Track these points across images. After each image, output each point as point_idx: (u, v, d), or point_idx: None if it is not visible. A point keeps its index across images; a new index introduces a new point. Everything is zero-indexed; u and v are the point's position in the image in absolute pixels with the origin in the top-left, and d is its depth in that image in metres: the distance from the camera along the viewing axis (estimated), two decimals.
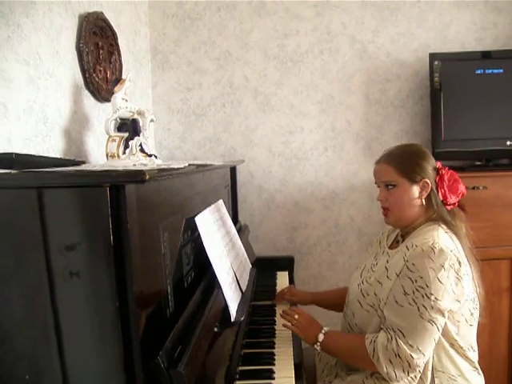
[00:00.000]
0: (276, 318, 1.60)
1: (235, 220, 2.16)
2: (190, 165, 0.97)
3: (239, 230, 2.03)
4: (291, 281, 2.03)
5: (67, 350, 0.76)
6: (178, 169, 0.81)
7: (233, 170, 2.15)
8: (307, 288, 2.37)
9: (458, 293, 1.19)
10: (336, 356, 1.38)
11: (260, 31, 2.33)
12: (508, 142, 2.23)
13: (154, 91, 2.36)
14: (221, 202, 1.68)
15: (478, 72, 2.22)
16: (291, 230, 2.40)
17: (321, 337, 1.32)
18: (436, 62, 2.21)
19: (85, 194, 0.70)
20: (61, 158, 1.08)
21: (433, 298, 1.16)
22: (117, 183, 0.67)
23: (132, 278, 0.74)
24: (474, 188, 2.07)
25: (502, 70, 2.21)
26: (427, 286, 1.16)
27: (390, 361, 1.17)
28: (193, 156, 2.36)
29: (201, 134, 2.36)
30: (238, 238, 1.72)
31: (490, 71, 2.22)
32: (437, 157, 2.20)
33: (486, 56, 2.25)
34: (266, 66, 2.34)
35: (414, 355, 1.16)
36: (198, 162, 1.17)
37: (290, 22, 2.32)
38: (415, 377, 1.21)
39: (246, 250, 1.85)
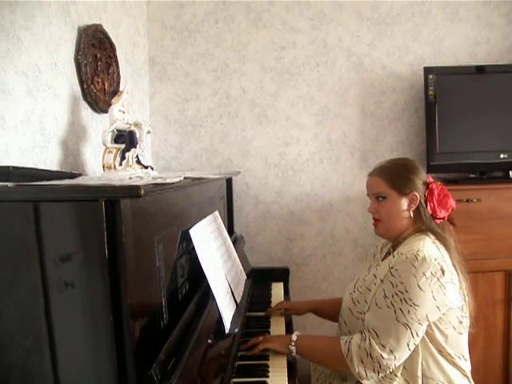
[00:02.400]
0: (270, 330, 1.61)
1: (231, 231, 2.17)
2: (185, 178, 0.98)
3: (234, 241, 2.04)
4: (286, 292, 2.04)
5: (61, 361, 0.76)
6: (174, 183, 0.82)
7: (229, 181, 2.16)
8: (302, 299, 2.37)
9: (439, 300, 1.21)
10: (310, 357, 1.40)
11: (257, 43, 2.35)
12: (501, 155, 2.26)
13: (152, 102, 2.37)
14: (216, 213, 1.69)
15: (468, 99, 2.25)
16: (287, 241, 2.41)
17: (294, 337, 1.36)
18: (431, 76, 2.24)
19: (81, 208, 0.70)
20: (57, 171, 1.09)
21: (410, 303, 1.18)
22: (112, 198, 0.68)
23: (126, 291, 0.74)
24: (467, 201, 2.09)
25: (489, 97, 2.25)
26: (406, 292, 1.19)
27: (362, 360, 1.21)
28: (189, 167, 2.38)
29: (197, 145, 2.38)
30: (234, 249, 1.73)
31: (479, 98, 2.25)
32: (431, 169, 2.25)
33: (479, 71, 2.28)
34: (262, 78, 2.36)
35: (384, 355, 1.18)
36: (194, 175, 1.18)
37: (287, 34, 2.35)
38: (385, 377, 1.24)
39: (241, 260, 1.85)
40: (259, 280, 2.11)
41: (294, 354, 1.36)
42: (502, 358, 2.14)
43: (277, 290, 2.03)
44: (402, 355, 1.20)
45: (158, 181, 0.84)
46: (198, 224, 1.29)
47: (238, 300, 1.49)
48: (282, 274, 2.17)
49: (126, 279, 0.74)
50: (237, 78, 2.36)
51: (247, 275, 1.97)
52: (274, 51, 2.36)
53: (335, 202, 2.40)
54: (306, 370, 1.59)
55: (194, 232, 1.24)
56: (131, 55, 2.14)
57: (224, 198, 2.06)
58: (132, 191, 0.66)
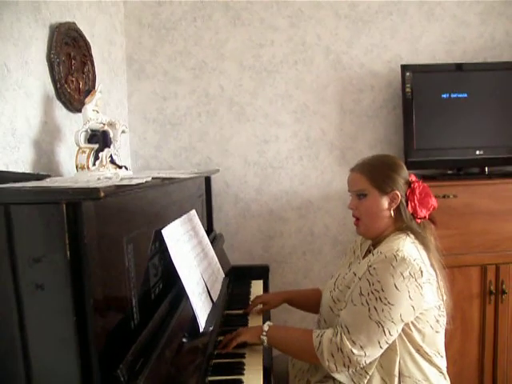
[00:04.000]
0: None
1: (210, 229, 2.16)
2: (153, 178, 0.97)
3: (213, 240, 2.04)
4: (266, 289, 2.04)
5: (27, 363, 0.76)
6: (138, 184, 0.82)
7: (207, 179, 2.15)
8: None
9: (415, 300, 1.21)
10: (282, 348, 1.40)
11: (235, 41, 2.35)
12: (477, 152, 2.29)
13: (130, 101, 2.36)
14: (193, 212, 1.69)
15: (444, 96, 2.29)
16: (267, 239, 2.42)
17: (266, 327, 1.37)
18: (408, 73, 2.26)
19: (42, 211, 0.70)
20: (24, 173, 1.08)
21: (385, 301, 1.19)
22: (72, 200, 0.67)
23: (90, 291, 0.74)
24: (444, 196, 2.12)
25: (465, 95, 2.28)
26: (382, 291, 1.20)
27: (332, 355, 1.22)
28: (168, 165, 2.37)
29: (176, 144, 2.37)
30: (211, 248, 1.73)
31: (455, 95, 2.28)
32: (409, 166, 2.25)
33: (456, 68, 2.31)
34: (241, 76, 2.36)
35: (354, 351, 1.20)
36: (166, 175, 1.18)
37: (265, 32, 2.36)
38: (356, 372, 1.25)
39: (220, 259, 1.85)
40: (239, 278, 2.12)
41: (265, 344, 1.37)
42: (478, 350, 2.18)
43: (256, 288, 2.04)
44: (373, 353, 1.21)
45: (125, 182, 0.84)
46: (170, 224, 1.29)
47: (215, 298, 1.49)
48: (261, 272, 2.18)
49: (90, 280, 0.74)
50: (215, 76, 2.35)
51: (227, 273, 1.97)
52: (252, 49, 2.36)
53: (314, 199, 2.42)
54: (284, 367, 1.60)
55: (167, 232, 1.24)
56: (108, 53, 2.12)
57: (202, 197, 2.06)
58: (91, 194, 0.66)
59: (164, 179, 1.04)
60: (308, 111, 2.39)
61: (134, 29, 2.33)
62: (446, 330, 1.36)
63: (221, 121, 2.37)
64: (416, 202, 1.36)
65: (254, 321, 1.66)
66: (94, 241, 0.76)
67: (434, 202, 1.39)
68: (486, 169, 2.33)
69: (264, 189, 2.40)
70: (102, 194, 0.65)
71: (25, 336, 0.75)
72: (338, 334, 1.23)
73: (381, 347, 1.21)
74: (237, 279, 2.11)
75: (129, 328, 0.96)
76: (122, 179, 0.98)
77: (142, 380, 0.81)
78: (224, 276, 1.76)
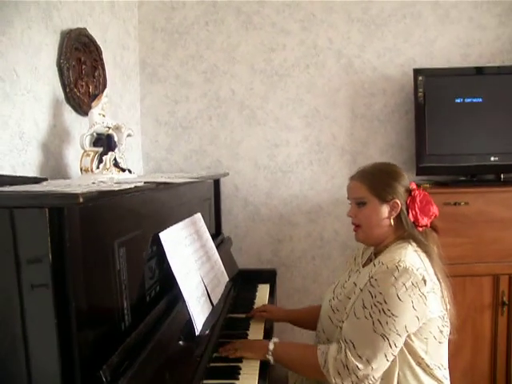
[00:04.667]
0: (249, 332, 1.61)
1: (218, 232, 2.18)
2: (146, 183, 0.99)
3: (221, 243, 2.06)
4: (272, 294, 2.04)
5: (10, 363, 0.78)
6: (122, 190, 0.83)
7: (216, 182, 2.17)
8: (291, 301, 2.39)
9: (419, 310, 1.19)
10: (287, 366, 1.39)
11: (247, 45, 2.36)
12: (492, 158, 2.24)
13: (143, 104, 2.40)
14: (198, 215, 1.70)
15: (458, 101, 2.24)
16: (276, 243, 2.42)
17: (271, 345, 1.34)
18: (420, 78, 2.23)
19: (25, 215, 0.72)
20: (21, 176, 1.11)
21: (389, 313, 1.17)
22: (51, 206, 0.69)
23: (73, 295, 0.76)
24: (455, 204, 2.08)
25: (480, 99, 2.23)
26: (385, 302, 1.17)
27: (339, 372, 1.19)
28: (179, 168, 2.40)
29: (187, 147, 2.40)
30: (216, 252, 1.74)
31: (470, 100, 2.24)
32: (421, 171, 2.24)
33: (470, 72, 2.27)
34: (252, 80, 2.37)
35: (360, 366, 1.17)
36: (163, 179, 1.20)
37: (277, 36, 2.36)
38: None
39: (227, 262, 1.87)
40: (246, 282, 2.13)
41: (271, 363, 1.36)
42: (489, 362, 2.12)
43: (262, 292, 2.04)
44: (380, 366, 1.19)
45: (114, 187, 0.85)
46: (170, 228, 1.31)
47: (215, 302, 1.50)
48: (269, 276, 2.18)
49: (74, 283, 0.76)
50: (226, 80, 2.37)
51: (234, 277, 1.99)
52: (263, 53, 2.36)
53: (324, 204, 2.40)
54: (283, 372, 1.59)
55: (165, 236, 1.25)
56: (120, 58, 2.16)
57: (210, 200, 2.07)
58: (70, 199, 0.68)
59: (159, 184, 1.05)
60: (319, 115, 2.38)
61: (147, 33, 2.37)
62: (455, 341, 1.33)
63: (231, 124, 2.38)
64: (417, 210, 1.34)
65: (255, 325, 1.66)
66: (78, 245, 0.78)
67: (435, 209, 1.37)
68: (502, 175, 2.27)
69: (274, 193, 2.40)
70: (81, 200, 0.67)
71: (6, 337, 0.77)
72: (343, 350, 1.20)
73: (387, 360, 1.19)
74: (244, 283, 2.11)
75: (119, 330, 0.98)
76: (116, 183, 1.00)
77: (124, 382, 0.82)
78: (228, 280, 1.77)
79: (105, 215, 0.92)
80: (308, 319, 1.64)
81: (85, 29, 1.71)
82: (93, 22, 1.84)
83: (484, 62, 2.36)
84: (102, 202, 0.89)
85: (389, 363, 1.20)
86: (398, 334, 1.18)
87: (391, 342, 1.17)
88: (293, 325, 1.72)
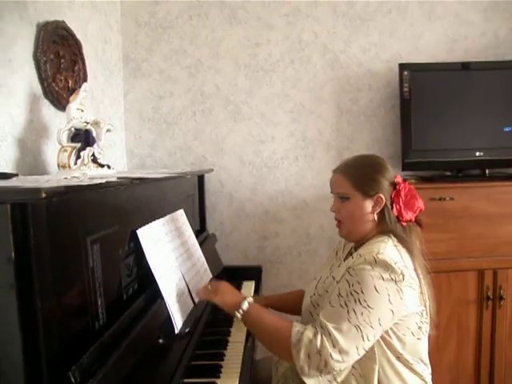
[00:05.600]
0: (231, 329, 1.60)
1: (202, 229, 2.16)
2: (119, 178, 0.96)
3: (205, 239, 2.03)
4: (257, 291, 2.02)
5: None
6: (91, 185, 0.81)
7: (200, 178, 2.15)
8: None
9: (394, 304, 1.17)
10: (255, 332, 1.34)
11: (231, 40, 2.33)
12: (477, 153, 2.24)
13: (126, 99, 2.36)
14: (180, 212, 1.68)
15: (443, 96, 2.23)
16: (262, 239, 2.40)
17: (245, 305, 1.28)
18: (405, 73, 2.22)
19: None
20: None
21: (365, 304, 1.15)
22: (13, 201, 0.67)
23: (38, 293, 0.73)
24: (440, 199, 2.07)
25: (466, 94, 2.23)
26: (362, 292, 1.16)
27: (309, 356, 1.14)
28: (163, 164, 2.37)
29: (172, 143, 2.37)
30: (198, 248, 1.71)
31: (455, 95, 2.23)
32: (406, 167, 2.24)
33: (455, 67, 2.26)
34: (237, 75, 2.34)
35: (334, 355, 1.13)
36: (140, 175, 1.17)
37: (262, 30, 2.33)
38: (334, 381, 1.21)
39: (211, 259, 1.84)
40: (231, 279, 2.08)
41: (239, 319, 1.30)
42: (474, 357, 2.12)
43: (247, 289, 2.02)
44: (349, 358, 1.16)
45: (84, 182, 0.83)
46: (149, 225, 1.28)
47: (197, 300, 1.48)
48: (254, 273, 2.16)
49: (39, 281, 0.73)
50: (211, 75, 2.34)
51: (219, 274, 1.97)
52: (248, 48, 2.34)
53: (310, 199, 2.39)
54: (267, 371, 1.58)
55: (143, 232, 1.23)
56: (102, 52, 2.12)
57: (193, 196, 2.05)
58: (32, 194, 0.65)
59: (133, 179, 1.02)
60: (304, 111, 2.36)
61: (130, 27, 2.33)
62: (440, 336, 1.32)
63: (216, 120, 2.36)
64: (401, 204, 1.31)
65: (238, 322, 1.64)
66: (45, 242, 0.75)
67: (420, 204, 1.34)
68: (487, 171, 2.27)
69: (259, 189, 2.38)
70: (44, 195, 0.64)
71: None
72: (319, 335, 1.16)
73: (358, 353, 1.17)
74: (229, 280, 2.06)
75: (93, 329, 0.96)
76: (89, 178, 0.97)
77: (94, 382, 0.79)
78: (212, 277, 1.75)
79: (76, 211, 0.89)
80: (289, 303, 1.64)
81: (63, 21, 1.67)
82: (72, 14, 1.80)
83: (470, 57, 2.35)
84: (72, 197, 0.87)
85: (358, 357, 1.17)
86: (371, 327, 1.15)
87: (364, 335, 1.15)
88: (274, 309, 1.69)
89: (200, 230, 2.14)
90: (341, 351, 1.15)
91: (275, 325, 1.25)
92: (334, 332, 1.16)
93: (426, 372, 1.31)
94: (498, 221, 2.09)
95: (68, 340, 0.84)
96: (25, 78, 1.47)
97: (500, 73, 2.25)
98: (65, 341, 0.83)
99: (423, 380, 1.30)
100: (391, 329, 1.21)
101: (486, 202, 2.09)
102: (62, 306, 0.83)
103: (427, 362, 1.32)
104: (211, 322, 1.66)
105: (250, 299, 1.32)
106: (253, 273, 2.17)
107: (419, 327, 1.26)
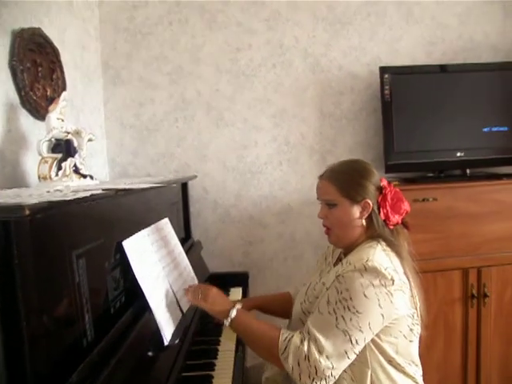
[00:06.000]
0: (221, 338, 1.58)
1: (187, 236, 2.13)
2: (105, 190, 0.94)
3: (191, 247, 2.01)
4: (245, 297, 2.01)
5: None
6: (76, 199, 0.78)
7: (184, 185, 2.12)
8: None
9: (385, 308, 1.17)
10: (244, 338, 1.33)
11: (212, 45, 2.32)
12: (458, 153, 2.27)
13: (106, 107, 2.32)
14: (165, 220, 1.65)
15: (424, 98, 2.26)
16: (247, 245, 2.39)
17: (233, 312, 1.28)
18: (386, 75, 2.24)
19: None
20: None
21: (354, 310, 1.15)
22: None
23: (25, 314, 0.71)
24: (424, 200, 2.09)
25: (445, 96, 2.27)
26: (351, 299, 1.15)
27: (299, 363, 1.15)
28: (146, 172, 2.33)
29: (154, 150, 2.33)
30: (185, 257, 1.69)
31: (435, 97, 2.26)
32: (389, 169, 2.25)
33: (434, 70, 2.30)
34: (218, 81, 2.33)
35: (322, 361, 1.13)
36: (124, 186, 1.15)
37: (242, 35, 2.33)
38: None
39: (197, 267, 1.82)
40: (218, 285, 2.06)
41: (227, 326, 1.30)
42: (461, 354, 2.15)
43: (234, 296, 2.00)
44: (340, 364, 1.16)
45: (69, 196, 0.80)
46: (133, 236, 1.25)
47: (185, 309, 1.45)
48: (241, 279, 2.14)
49: (23, 299, 0.71)
50: (192, 81, 2.32)
51: (205, 281, 1.94)
52: (229, 53, 2.33)
53: (295, 204, 2.39)
54: (257, 379, 1.56)
55: (129, 244, 1.20)
56: (81, 59, 2.08)
57: (177, 204, 2.02)
58: (16, 212, 0.62)
59: (118, 191, 1.00)
60: (287, 115, 2.36)
61: (109, 34, 2.29)
62: (428, 336, 1.32)
63: (198, 126, 2.34)
64: (388, 208, 1.32)
65: (227, 331, 1.62)
66: (29, 259, 0.73)
67: (406, 206, 1.35)
68: (468, 171, 2.31)
69: (243, 194, 2.37)
70: (27, 212, 0.62)
71: None
72: (305, 341, 1.17)
73: (348, 358, 1.17)
74: (216, 287, 2.07)
75: (80, 346, 0.93)
76: (72, 191, 0.95)
77: None
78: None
79: (60, 226, 0.87)
80: (275, 306, 1.62)
81: (39, 28, 1.63)
82: (49, 21, 1.76)
83: (448, 59, 2.39)
84: (56, 213, 0.84)
85: (349, 361, 1.17)
86: (360, 331, 1.15)
87: (352, 339, 1.15)
88: (261, 311, 1.67)
89: (185, 238, 2.11)
90: (329, 357, 1.15)
91: (263, 332, 1.26)
92: (321, 338, 1.16)
93: (418, 374, 1.32)
94: (481, 220, 2.12)
95: (55, 359, 0.81)
96: (1, 86, 1.43)
97: (477, 75, 2.29)
98: (52, 360, 0.80)
99: (415, 382, 1.30)
100: (383, 333, 1.21)
101: (468, 202, 2.12)
102: (48, 323, 0.80)
103: (418, 363, 1.33)
104: (200, 331, 1.63)
105: (239, 306, 1.32)
106: (239, 279, 2.15)
107: (411, 329, 1.26)
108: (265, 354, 1.27)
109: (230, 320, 1.28)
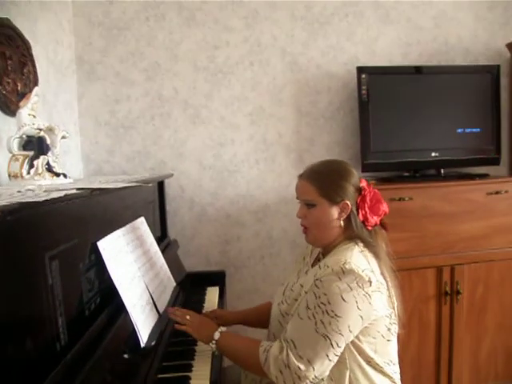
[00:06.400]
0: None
1: (164, 235, 2.10)
2: (78, 189, 0.91)
3: (167, 246, 1.98)
4: (221, 296, 1.99)
5: None
6: (49, 200, 0.75)
7: (160, 184, 2.09)
8: (242, 302, 2.36)
9: (363, 309, 1.18)
10: (231, 359, 1.36)
11: (189, 42, 2.29)
12: (433, 153, 2.31)
13: (80, 103, 2.26)
14: (140, 219, 1.62)
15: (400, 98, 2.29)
16: (224, 244, 2.37)
17: (217, 335, 1.32)
18: (363, 76, 2.25)
19: None
20: None
21: (332, 314, 1.15)
22: None
23: None
24: (400, 199, 2.12)
25: (421, 97, 2.31)
26: (329, 303, 1.16)
27: (281, 371, 1.17)
28: (121, 170, 2.29)
29: (130, 148, 2.29)
30: (161, 257, 1.67)
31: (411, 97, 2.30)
32: (366, 168, 2.27)
33: (411, 71, 2.33)
34: (195, 78, 2.30)
35: (302, 367, 1.15)
36: (98, 185, 1.12)
37: (220, 33, 2.31)
38: None
39: (173, 266, 1.80)
40: (194, 285, 2.06)
41: (214, 351, 1.33)
42: (434, 351, 2.19)
43: (211, 295, 1.98)
44: (322, 367, 1.16)
45: (41, 196, 0.77)
46: (108, 236, 1.23)
47: (161, 310, 1.43)
48: (218, 278, 2.13)
49: None
50: (169, 78, 2.29)
51: (182, 281, 1.92)
52: (206, 50, 2.30)
53: (272, 202, 2.38)
54: (236, 378, 1.55)
55: (104, 244, 1.17)
56: (54, 54, 2.02)
57: (154, 203, 1.99)
58: None
59: (93, 190, 0.97)
60: (264, 114, 2.36)
61: (83, 28, 2.24)
62: (402, 333, 1.34)
63: (175, 124, 2.31)
64: (367, 209, 1.32)
65: None
66: None
67: (385, 207, 1.35)
68: (442, 171, 2.35)
69: (220, 193, 2.35)
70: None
71: None
72: (284, 349, 1.18)
73: (329, 360, 1.17)
74: (192, 286, 2.05)
75: (54, 350, 0.90)
76: (45, 191, 0.92)
77: None
78: (175, 284, 1.71)
79: (32, 227, 0.84)
80: (258, 318, 1.61)
81: (7, 19, 1.57)
82: (18, 11, 1.69)
83: (423, 61, 2.43)
84: (28, 214, 0.81)
85: (332, 363, 1.18)
86: (340, 334, 1.16)
87: (333, 342, 1.15)
88: (245, 325, 1.67)
89: (161, 237, 2.08)
90: (310, 361, 1.15)
91: (246, 348, 1.30)
92: (300, 344, 1.17)
93: (396, 374, 1.33)
94: (454, 219, 2.16)
95: (27, 364, 0.79)
96: None
97: (450, 77, 2.34)
98: (23, 365, 0.77)
99: (393, 382, 1.31)
100: (362, 334, 1.21)
101: (443, 201, 2.16)
102: (20, 328, 0.77)
103: (396, 362, 1.34)
104: (177, 331, 1.61)
105: (223, 329, 1.35)
106: (216, 278, 2.14)
107: (388, 329, 1.27)
108: (252, 369, 1.31)
109: (214, 342, 1.31)
